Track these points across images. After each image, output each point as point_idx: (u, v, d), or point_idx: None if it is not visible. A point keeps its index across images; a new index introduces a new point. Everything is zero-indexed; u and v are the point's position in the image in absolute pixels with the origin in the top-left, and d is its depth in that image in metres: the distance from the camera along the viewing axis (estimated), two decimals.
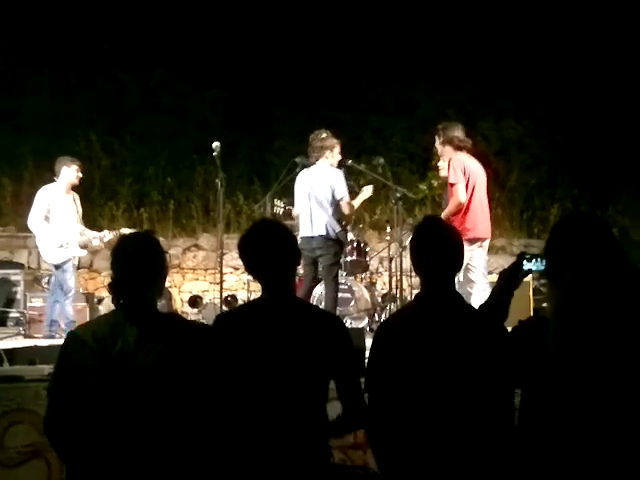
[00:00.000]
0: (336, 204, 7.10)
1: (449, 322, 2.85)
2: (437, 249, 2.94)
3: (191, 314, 10.01)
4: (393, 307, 7.96)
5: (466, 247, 6.53)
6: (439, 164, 7.35)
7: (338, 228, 7.12)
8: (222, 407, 2.86)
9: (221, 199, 7.22)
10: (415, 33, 13.76)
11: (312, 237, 7.08)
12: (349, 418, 2.96)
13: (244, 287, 10.17)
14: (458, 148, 6.73)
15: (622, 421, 2.36)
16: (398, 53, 13.69)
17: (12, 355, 5.54)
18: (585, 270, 2.48)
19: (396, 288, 7.72)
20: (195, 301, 10.26)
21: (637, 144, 12.53)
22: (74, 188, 8.03)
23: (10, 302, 9.21)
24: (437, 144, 6.90)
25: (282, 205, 7.55)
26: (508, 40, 13.45)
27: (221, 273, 7.42)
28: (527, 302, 7.33)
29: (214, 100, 13.82)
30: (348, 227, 9.21)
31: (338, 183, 7.06)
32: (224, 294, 8.36)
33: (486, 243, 6.81)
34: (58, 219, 7.74)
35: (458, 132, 6.80)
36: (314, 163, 7.20)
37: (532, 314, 6.59)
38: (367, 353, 3.06)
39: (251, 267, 3.03)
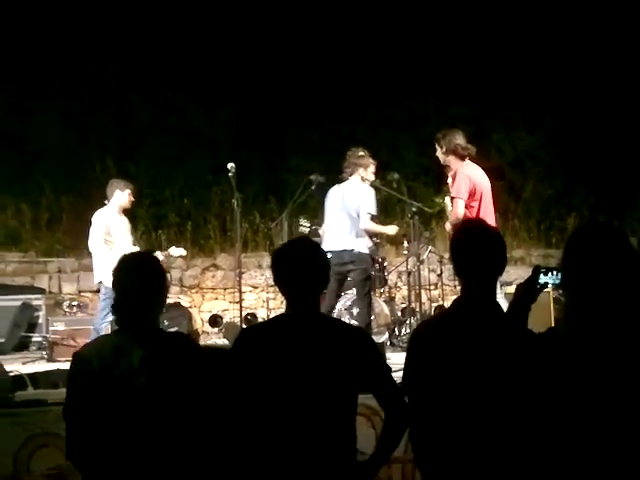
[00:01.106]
0: None
1: (487, 328, 2.82)
2: (479, 251, 2.89)
3: (212, 333, 10.04)
4: (413, 321, 7.96)
5: None
6: (449, 181, 7.28)
7: (370, 243, 7.19)
8: (243, 424, 2.87)
9: (238, 219, 7.29)
10: (425, 47, 13.80)
11: (343, 251, 7.13)
12: (397, 423, 2.95)
13: (263, 305, 10.21)
14: (462, 157, 6.47)
15: (633, 432, 2.36)
16: (408, 67, 13.73)
17: (35, 379, 5.60)
18: (599, 288, 2.47)
19: (415, 302, 7.73)
20: (215, 320, 10.30)
21: None
22: (125, 212, 8.03)
23: (32, 327, 9.28)
24: (439, 154, 6.60)
25: (308, 225, 7.58)
26: (517, 51, 13.47)
27: (240, 292, 7.46)
28: (547, 312, 7.29)
29: (224, 120, 13.91)
30: None
31: (368, 198, 7.17)
32: (244, 312, 8.40)
33: None
34: (118, 242, 7.71)
35: (460, 139, 6.49)
36: (345, 179, 7.34)
37: (553, 324, 6.57)
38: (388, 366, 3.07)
39: (281, 281, 3.04)
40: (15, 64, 13.08)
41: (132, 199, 7.95)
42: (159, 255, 7.77)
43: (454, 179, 6.48)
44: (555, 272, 2.91)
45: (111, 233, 7.71)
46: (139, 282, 2.95)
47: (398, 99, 13.96)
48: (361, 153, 7.39)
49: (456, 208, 6.32)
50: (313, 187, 7.60)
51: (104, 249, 7.61)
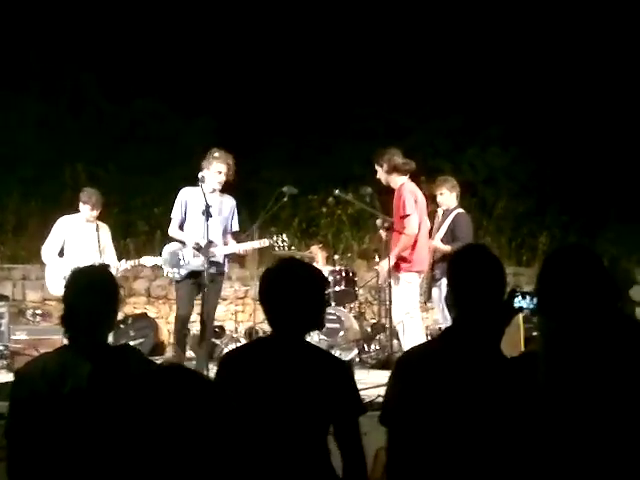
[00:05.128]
0: None
1: (476, 361, 2.64)
2: (480, 279, 2.63)
3: None
4: (382, 337, 7.88)
5: (414, 279, 6.70)
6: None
7: None
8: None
9: (208, 229, 7.16)
10: (404, 61, 13.82)
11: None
12: (352, 472, 2.82)
13: (232, 318, 10.06)
14: (404, 173, 6.79)
15: (613, 463, 2.31)
16: (387, 81, 13.73)
17: None
18: (575, 314, 2.41)
19: (385, 317, 7.65)
20: None
21: (626, 171, 12.57)
22: (101, 218, 8.05)
23: None
24: (380, 174, 6.93)
25: (287, 243, 7.21)
26: (495, 67, 13.53)
27: None
28: (518, 331, 7.25)
29: (201, 129, 13.79)
30: (335, 257, 9.14)
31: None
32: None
33: (423, 275, 7.05)
34: (72, 251, 7.70)
35: (399, 157, 6.83)
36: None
37: (523, 342, 6.52)
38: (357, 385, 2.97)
39: (268, 302, 2.90)
40: None
41: (92, 212, 7.85)
42: (123, 263, 7.72)
43: (399, 197, 6.65)
44: (530, 296, 2.83)
45: (66, 242, 7.76)
46: (87, 299, 2.83)
47: (375, 111, 13.95)
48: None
49: (411, 224, 6.68)
50: (285, 199, 7.50)
51: (54, 259, 7.70)
